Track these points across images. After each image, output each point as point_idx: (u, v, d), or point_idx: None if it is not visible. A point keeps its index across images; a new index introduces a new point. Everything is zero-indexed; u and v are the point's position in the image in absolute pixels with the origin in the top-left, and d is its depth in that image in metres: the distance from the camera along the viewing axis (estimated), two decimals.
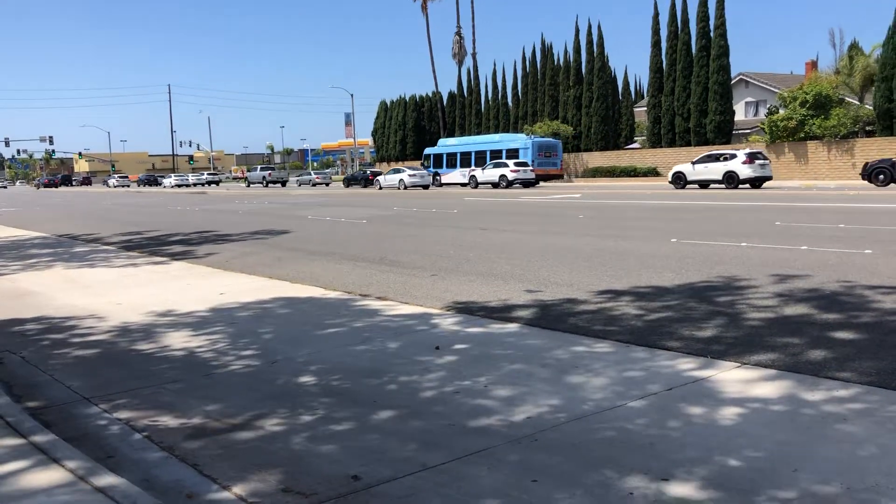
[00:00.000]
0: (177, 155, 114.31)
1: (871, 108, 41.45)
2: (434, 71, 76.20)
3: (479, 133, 61.96)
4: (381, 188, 49.53)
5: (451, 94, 68.79)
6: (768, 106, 48.78)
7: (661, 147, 49.78)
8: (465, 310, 7.64)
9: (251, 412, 4.72)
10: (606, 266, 10.19)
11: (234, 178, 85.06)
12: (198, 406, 4.89)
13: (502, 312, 7.43)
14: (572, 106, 56.22)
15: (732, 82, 48.67)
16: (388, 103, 74.35)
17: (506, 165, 43.83)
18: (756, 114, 53.07)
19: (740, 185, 32.45)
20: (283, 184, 70.37)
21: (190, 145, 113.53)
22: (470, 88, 66.35)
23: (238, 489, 3.62)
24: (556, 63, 58.13)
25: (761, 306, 7.23)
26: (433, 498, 3.44)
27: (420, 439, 4.16)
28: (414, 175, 48.05)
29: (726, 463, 3.66)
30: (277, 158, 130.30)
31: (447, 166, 50.73)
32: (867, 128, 42.13)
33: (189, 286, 10.00)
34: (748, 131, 48.94)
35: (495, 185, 43.82)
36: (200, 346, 6.51)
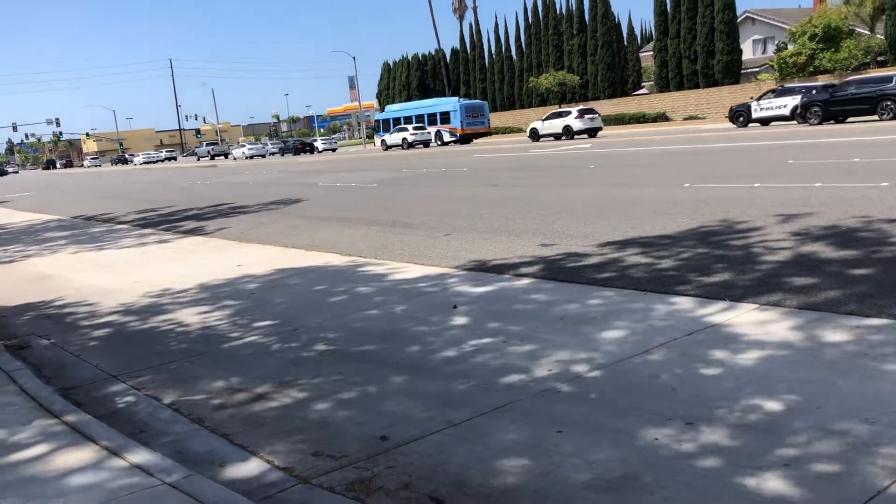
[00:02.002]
0: (183, 129, 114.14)
1: (882, 37, 40.64)
2: (435, 28, 75.49)
3: (483, 89, 62.04)
4: (198, 159, 70.26)
5: (454, 51, 68.10)
6: (776, 42, 47.94)
7: (670, 91, 49.19)
8: (481, 267, 7.65)
9: (276, 380, 4.78)
10: (621, 215, 10.15)
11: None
12: (223, 377, 4.96)
13: (518, 268, 7.44)
14: (577, 55, 55.53)
15: (739, 21, 47.84)
16: (392, 64, 73.72)
17: (406, 129, 51.41)
18: (764, 51, 52.17)
19: (577, 136, 39.43)
20: (226, 156, 78.22)
21: (196, 119, 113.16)
22: (472, 43, 65.60)
23: (269, 456, 3.69)
24: (558, 12, 57.30)
25: (778, 247, 7.20)
26: (461, 454, 3.49)
27: (444, 398, 4.20)
28: (213, 148, 68.54)
29: (749, 404, 3.68)
30: (284, 127, 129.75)
31: (393, 130, 55.11)
32: (879, 58, 41.38)
33: (206, 260, 10.07)
34: (757, 70, 48.19)
35: (399, 146, 51.08)
36: (221, 319, 6.58)
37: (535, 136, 42.14)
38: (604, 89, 53.87)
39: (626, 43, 55.69)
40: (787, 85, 33.22)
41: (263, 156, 62.16)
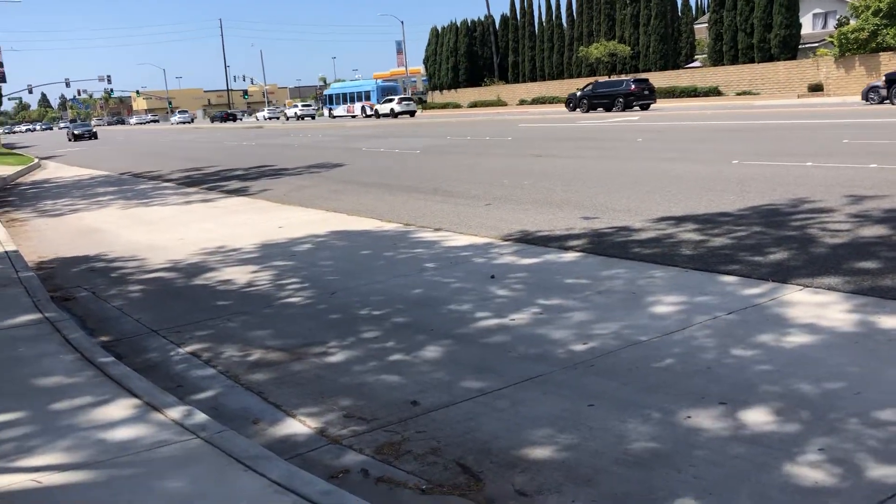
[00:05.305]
0: (231, 90, 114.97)
1: None
2: None
3: (531, 57, 61.72)
4: (173, 124, 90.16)
5: (503, 18, 67.12)
6: (838, 17, 46.29)
7: (724, 65, 47.97)
8: (521, 238, 7.61)
9: (312, 342, 4.84)
10: (666, 190, 9.98)
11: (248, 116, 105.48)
12: (261, 337, 5.03)
13: (558, 241, 7.38)
14: (629, 24, 54.33)
15: None
16: (440, 29, 72.91)
17: (296, 106, 71.86)
18: (825, 26, 50.41)
19: (399, 116, 54.27)
20: (192, 121, 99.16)
21: (244, 80, 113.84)
22: (523, 10, 64.58)
23: (302, 415, 3.74)
24: None
25: (826, 229, 7.01)
26: (491, 422, 3.50)
27: (477, 366, 4.21)
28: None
29: (786, 387, 3.61)
30: None
31: (335, 104, 69.04)
32: None
33: (249, 220, 10.19)
34: (815, 45, 46.65)
35: (293, 118, 69.46)
36: (261, 279, 6.66)
37: (377, 114, 56.93)
38: (655, 61, 52.67)
39: (680, 14, 54.07)
40: (600, 80, 43.13)
41: (191, 121, 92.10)
